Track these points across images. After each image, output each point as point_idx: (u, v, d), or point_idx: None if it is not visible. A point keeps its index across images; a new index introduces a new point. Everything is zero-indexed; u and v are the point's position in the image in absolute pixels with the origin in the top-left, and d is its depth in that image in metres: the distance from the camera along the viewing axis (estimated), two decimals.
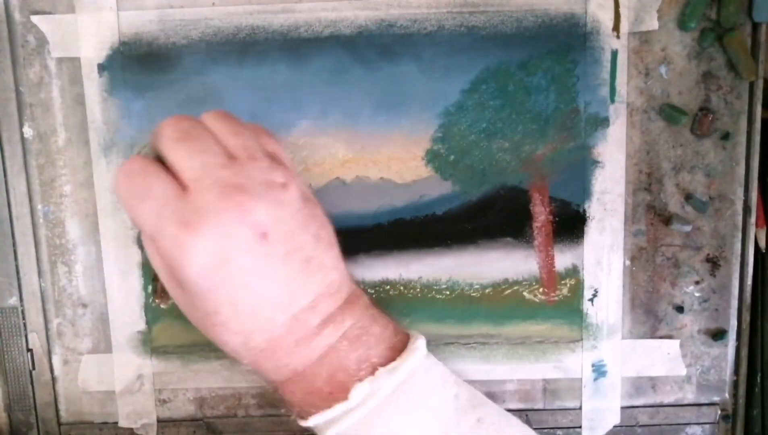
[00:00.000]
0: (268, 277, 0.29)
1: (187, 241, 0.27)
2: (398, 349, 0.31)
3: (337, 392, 0.30)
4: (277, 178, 0.29)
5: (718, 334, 0.40)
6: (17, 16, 0.38)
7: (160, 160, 0.30)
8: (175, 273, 0.29)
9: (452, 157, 0.39)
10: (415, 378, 0.31)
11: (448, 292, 0.40)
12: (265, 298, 0.29)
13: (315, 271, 0.30)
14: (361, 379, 0.30)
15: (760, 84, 0.38)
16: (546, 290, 0.40)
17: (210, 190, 0.28)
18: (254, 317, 0.29)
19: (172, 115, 0.30)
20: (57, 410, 0.42)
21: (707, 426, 0.41)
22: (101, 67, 0.38)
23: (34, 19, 0.38)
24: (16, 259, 0.40)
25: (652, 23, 0.37)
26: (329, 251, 0.31)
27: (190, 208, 0.28)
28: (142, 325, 0.40)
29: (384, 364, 0.30)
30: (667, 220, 0.39)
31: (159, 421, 0.42)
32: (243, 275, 0.28)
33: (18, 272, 0.40)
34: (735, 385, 0.41)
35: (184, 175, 0.28)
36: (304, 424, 0.31)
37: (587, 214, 0.39)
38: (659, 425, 0.41)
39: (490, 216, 0.39)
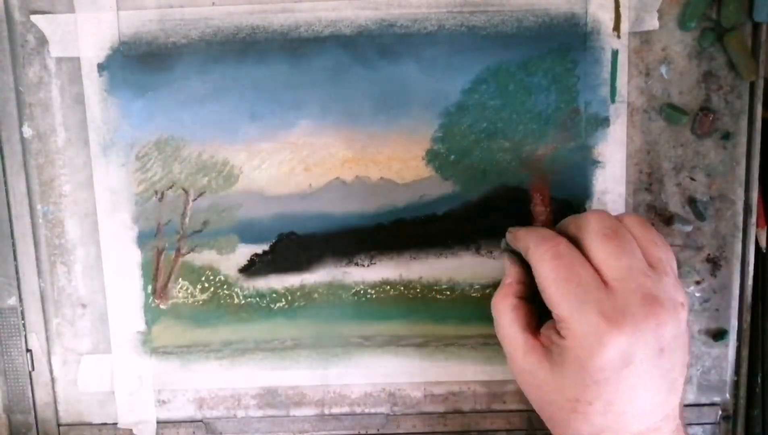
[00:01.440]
0: (648, 388, 0.30)
1: (607, 333, 0.29)
2: None
3: None
4: (679, 298, 0.31)
5: (718, 335, 0.40)
6: (17, 15, 0.38)
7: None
8: (578, 352, 0.30)
9: (452, 157, 0.39)
10: None
11: (448, 292, 0.40)
12: (635, 406, 0.30)
13: (673, 392, 0.31)
14: None
15: (761, 84, 0.38)
16: None
17: (634, 294, 0.29)
18: (617, 419, 0.30)
19: (597, 211, 0.33)
20: (56, 411, 0.42)
21: (708, 426, 0.41)
22: (101, 67, 0.38)
23: (34, 18, 0.38)
24: (15, 259, 0.40)
25: (653, 23, 0.37)
26: (684, 377, 0.32)
27: (613, 303, 0.29)
28: (141, 326, 0.40)
29: None
30: (668, 220, 0.39)
31: (159, 421, 0.42)
32: (634, 380, 0.30)
33: (17, 272, 0.40)
34: (736, 385, 0.41)
35: (608, 272, 0.30)
36: None
37: None
38: None
39: (491, 216, 0.39)
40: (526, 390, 0.33)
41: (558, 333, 0.31)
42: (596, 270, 0.30)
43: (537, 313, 0.34)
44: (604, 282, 0.30)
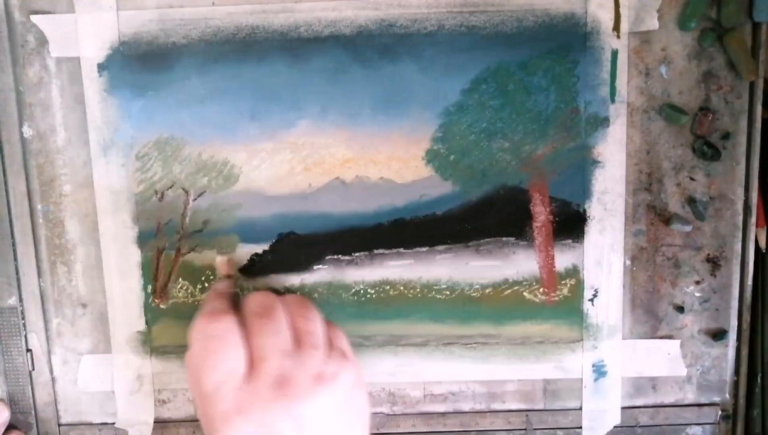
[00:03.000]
0: None
1: (234, 421, 0.30)
2: None
3: None
4: (329, 370, 0.32)
5: (718, 334, 0.40)
6: (17, 15, 0.38)
7: None
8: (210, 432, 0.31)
9: (452, 156, 0.39)
10: None
11: (448, 292, 0.40)
12: None
13: None
14: None
15: (760, 84, 0.38)
16: (546, 290, 0.40)
17: (269, 376, 0.30)
18: None
19: (258, 293, 0.34)
20: (56, 410, 0.42)
21: (708, 426, 0.41)
22: (101, 67, 0.38)
23: (34, 18, 0.38)
24: (15, 258, 0.40)
25: (653, 23, 0.37)
26: (365, 427, 0.33)
27: (247, 394, 0.30)
28: (141, 326, 0.40)
29: None
30: (668, 220, 0.39)
31: (159, 421, 0.42)
32: None
33: (17, 272, 0.40)
34: (735, 385, 0.41)
35: (254, 351, 0.31)
36: None
37: (587, 214, 0.39)
38: (660, 425, 0.41)
39: (490, 216, 0.39)
40: None
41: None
42: (246, 343, 0.32)
43: None
44: (252, 360, 0.31)
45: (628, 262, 0.39)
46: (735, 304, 0.40)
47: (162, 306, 0.40)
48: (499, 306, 0.40)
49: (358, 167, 0.39)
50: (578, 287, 0.40)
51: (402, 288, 0.40)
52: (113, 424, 0.41)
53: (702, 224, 0.39)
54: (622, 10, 0.37)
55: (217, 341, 0.32)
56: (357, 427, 0.33)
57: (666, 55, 0.38)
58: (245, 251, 0.40)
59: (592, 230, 0.39)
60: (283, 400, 0.30)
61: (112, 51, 0.38)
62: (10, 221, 0.40)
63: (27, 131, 0.39)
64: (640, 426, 0.41)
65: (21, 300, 0.40)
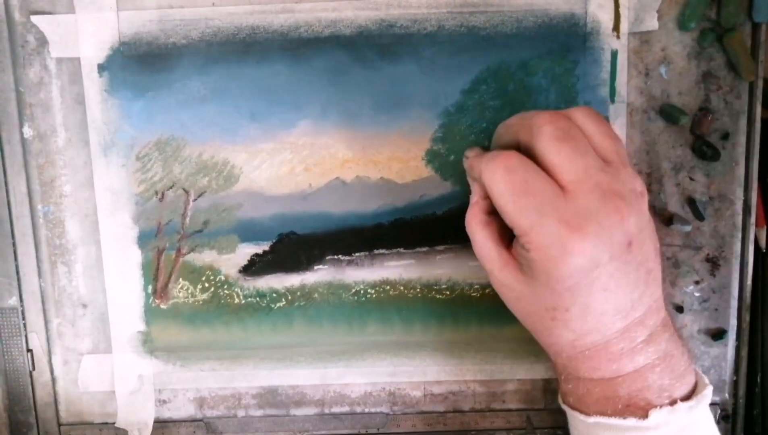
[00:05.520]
0: (623, 284, 0.30)
1: (570, 241, 0.28)
2: (690, 386, 0.32)
3: (634, 408, 0.31)
4: (638, 187, 0.30)
5: (718, 334, 0.40)
6: (17, 16, 0.38)
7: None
8: (544, 264, 0.29)
9: (452, 157, 0.39)
10: (699, 422, 0.32)
11: (448, 292, 0.40)
12: (613, 304, 0.30)
13: (652, 283, 0.31)
14: (660, 406, 0.31)
15: (760, 84, 0.38)
16: None
17: (592, 193, 0.29)
18: (597, 320, 0.30)
19: (544, 113, 0.31)
20: (57, 410, 0.42)
21: None
22: (101, 67, 0.38)
23: (34, 19, 0.38)
24: (16, 259, 0.40)
25: (652, 23, 0.37)
26: (660, 265, 0.32)
27: (572, 209, 0.29)
28: (142, 325, 0.40)
29: (682, 398, 0.31)
30: (667, 220, 0.39)
31: (159, 421, 0.42)
32: (605, 280, 0.29)
33: (18, 272, 0.40)
34: (735, 385, 0.41)
35: (564, 176, 0.29)
36: (577, 415, 0.33)
37: None
38: None
39: None
40: (508, 303, 0.33)
41: (523, 247, 0.30)
42: (552, 176, 0.30)
43: (509, 227, 0.32)
44: (562, 187, 0.29)
45: None
46: (734, 303, 0.40)
47: (162, 306, 0.40)
48: (499, 306, 0.40)
49: (358, 167, 0.39)
50: None
51: (402, 288, 0.40)
52: (113, 424, 0.42)
53: (701, 224, 0.39)
54: (622, 11, 0.37)
55: (517, 171, 0.30)
56: (659, 251, 0.32)
57: (666, 56, 0.38)
58: (245, 251, 0.40)
59: None
60: (614, 214, 0.28)
61: (112, 51, 0.38)
62: (11, 221, 0.40)
63: (27, 132, 0.39)
64: None
65: (21, 300, 0.40)
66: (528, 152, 0.31)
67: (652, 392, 0.31)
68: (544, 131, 0.30)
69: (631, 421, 0.31)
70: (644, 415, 0.31)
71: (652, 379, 0.31)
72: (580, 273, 0.29)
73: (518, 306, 0.33)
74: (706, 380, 0.33)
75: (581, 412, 0.33)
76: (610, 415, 0.31)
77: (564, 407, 0.34)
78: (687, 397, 0.32)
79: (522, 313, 0.33)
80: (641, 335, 0.31)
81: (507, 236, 0.33)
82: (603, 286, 0.29)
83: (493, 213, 0.33)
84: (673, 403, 0.31)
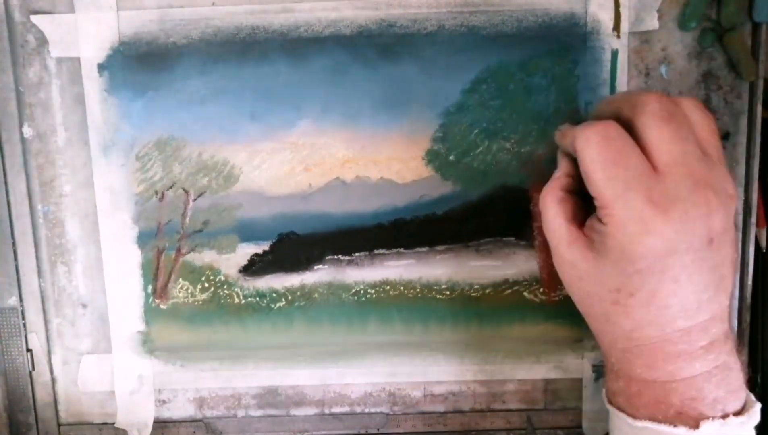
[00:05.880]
0: (695, 282, 0.29)
1: (653, 219, 0.28)
2: (742, 401, 0.32)
3: (686, 417, 0.30)
4: (730, 188, 0.29)
5: None
6: (17, 15, 0.38)
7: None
8: (616, 241, 0.28)
9: (452, 157, 0.39)
10: None
11: (448, 292, 0.40)
12: (681, 300, 0.29)
13: (722, 290, 0.30)
14: (713, 417, 0.30)
15: (761, 84, 0.38)
16: (546, 290, 0.40)
17: (686, 179, 0.28)
18: (660, 313, 0.29)
19: (654, 92, 0.30)
20: (56, 410, 0.42)
21: None
22: (101, 67, 0.38)
23: (34, 18, 0.38)
24: (15, 259, 0.40)
25: (653, 23, 0.37)
26: (733, 277, 0.31)
27: (662, 189, 0.28)
28: (141, 325, 0.40)
29: (734, 413, 0.31)
30: None
31: (159, 421, 0.42)
32: (678, 270, 0.28)
33: (18, 272, 0.40)
34: None
35: (660, 156, 0.28)
36: (624, 417, 0.32)
37: None
38: None
39: (490, 216, 0.39)
40: (568, 284, 0.32)
41: (600, 221, 0.29)
42: (647, 154, 0.29)
43: (584, 208, 0.32)
44: (655, 168, 0.28)
45: None
46: (735, 304, 0.40)
47: (162, 306, 0.40)
48: (499, 306, 0.40)
49: (358, 167, 0.39)
50: None
51: (402, 288, 0.40)
52: (113, 424, 0.41)
53: None
54: (622, 10, 0.37)
55: (614, 141, 0.29)
56: (735, 262, 0.31)
57: (666, 55, 0.38)
58: (245, 251, 0.40)
59: None
60: (703, 205, 0.28)
61: (112, 51, 0.38)
62: (11, 221, 0.40)
63: (27, 131, 0.39)
64: None
65: (21, 300, 0.40)
66: (628, 128, 0.30)
67: (706, 403, 0.30)
68: (650, 109, 0.29)
69: (682, 430, 0.30)
70: (695, 425, 0.30)
71: (708, 389, 0.30)
72: (655, 256, 0.28)
73: (579, 286, 0.31)
74: (754, 398, 0.32)
75: (629, 414, 0.32)
76: (660, 421, 0.30)
77: (610, 407, 0.33)
78: (738, 413, 0.31)
79: (581, 294, 0.32)
80: (702, 340, 0.30)
81: (578, 219, 0.32)
82: (674, 276, 0.28)
83: (571, 192, 0.32)
84: (725, 416, 0.30)
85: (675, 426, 0.30)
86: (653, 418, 0.31)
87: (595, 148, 0.29)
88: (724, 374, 0.31)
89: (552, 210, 0.32)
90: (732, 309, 0.40)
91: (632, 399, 0.32)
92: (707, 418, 0.30)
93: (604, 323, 0.31)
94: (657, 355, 0.30)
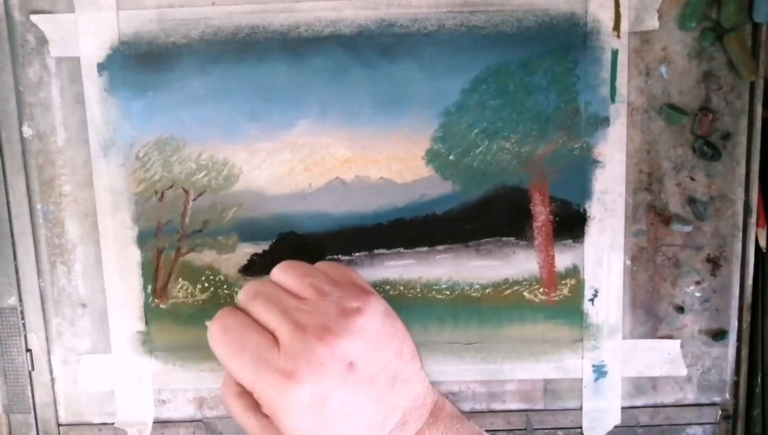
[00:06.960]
0: (361, 404, 0.30)
1: (288, 389, 0.29)
2: None
3: None
4: (352, 305, 0.31)
5: (718, 335, 0.40)
6: (17, 15, 0.38)
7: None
8: (276, 416, 0.30)
9: (452, 156, 0.39)
10: None
11: (448, 292, 0.40)
12: (360, 424, 0.30)
13: (400, 386, 0.31)
14: None
15: (761, 84, 0.38)
16: (546, 290, 0.40)
17: (294, 334, 0.30)
18: None
19: (241, 290, 0.33)
20: (56, 410, 0.42)
21: (708, 426, 0.41)
22: (101, 67, 0.38)
23: (34, 18, 0.38)
24: (15, 258, 0.40)
25: (653, 23, 0.37)
26: (412, 364, 0.32)
27: (283, 356, 0.29)
28: (141, 326, 0.40)
29: None
30: (668, 220, 0.39)
31: (159, 421, 0.42)
32: (339, 407, 0.29)
33: (17, 272, 0.40)
34: (736, 385, 0.41)
35: (268, 325, 0.31)
36: None
37: (587, 214, 0.39)
38: (660, 425, 0.41)
39: (490, 216, 0.39)
40: None
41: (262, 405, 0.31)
42: (265, 329, 0.31)
43: None
44: (274, 337, 0.30)
45: (628, 262, 0.39)
46: (735, 304, 0.40)
47: (162, 306, 0.40)
48: (499, 306, 0.40)
49: (358, 167, 0.39)
50: (578, 287, 0.40)
51: (402, 288, 0.40)
52: (113, 424, 0.41)
53: (702, 224, 0.39)
54: (622, 10, 0.37)
55: (232, 330, 0.31)
56: (405, 353, 0.32)
57: (666, 55, 0.38)
58: (245, 251, 0.40)
59: (592, 230, 0.39)
60: (319, 346, 0.29)
61: (112, 51, 0.38)
62: (10, 221, 0.40)
63: (27, 131, 0.39)
64: (641, 426, 0.41)
65: (21, 300, 0.40)
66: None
67: None
68: (241, 297, 0.32)
69: None
70: None
71: None
72: (311, 413, 0.29)
73: None
74: None
75: None
76: None
77: None
78: None
79: None
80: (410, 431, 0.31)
81: None
82: (340, 413, 0.29)
83: None
84: None
85: None
86: None
87: (218, 344, 0.31)
88: None
89: (235, 406, 0.32)
90: (732, 309, 0.40)
91: None
92: None
93: None
94: None
